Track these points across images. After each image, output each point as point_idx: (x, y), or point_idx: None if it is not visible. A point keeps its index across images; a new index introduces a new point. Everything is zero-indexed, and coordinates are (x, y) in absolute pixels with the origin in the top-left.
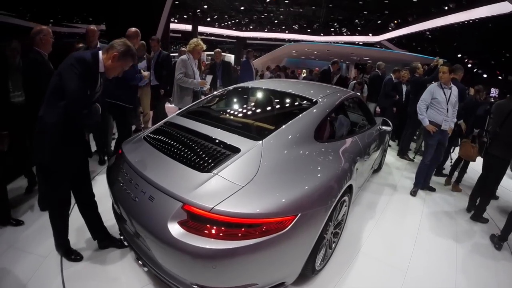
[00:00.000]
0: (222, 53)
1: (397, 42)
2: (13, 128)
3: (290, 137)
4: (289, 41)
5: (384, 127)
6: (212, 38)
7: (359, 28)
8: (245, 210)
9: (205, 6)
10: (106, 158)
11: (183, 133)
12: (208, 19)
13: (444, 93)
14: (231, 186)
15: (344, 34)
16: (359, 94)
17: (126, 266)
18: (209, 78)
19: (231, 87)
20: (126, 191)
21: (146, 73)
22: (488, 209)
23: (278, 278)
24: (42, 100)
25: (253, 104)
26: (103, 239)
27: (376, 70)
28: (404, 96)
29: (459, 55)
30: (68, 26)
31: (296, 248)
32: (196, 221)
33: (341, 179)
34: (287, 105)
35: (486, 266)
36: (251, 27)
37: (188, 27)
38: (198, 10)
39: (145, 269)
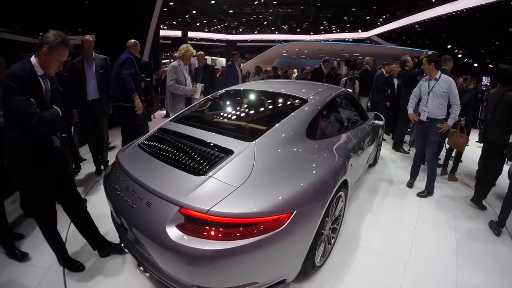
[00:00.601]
0: (214, 57)
1: (387, 36)
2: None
3: (283, 136)
4: (280, 41)
5: (376, 122)
6: (203, 42)
7: (348, 25)
8: (241, 210)
9: (194, 11)
10: (102, 167)
11: (177, 138)
12: (198, 24)
13: (428, 85)
14: (226, 188)
15: (334, 31)
16: (350, 90)
17: (128, 273)
18: (199, 86)
19: (222, 91)
20: (123, 199)
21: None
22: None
23: (278, 275)
24: None
25: (245, 106)
26: (102, 247)
27: (365, 65)
28: (396, 89)
29: (449, 46)
30: None
31: (294, 245)
32: (193, 223)
33: (335, 174)
34: (279, 105)
35: (486, 252)
36: (240, 30)
37: (178, 33)
38: (187, 16)
39: (147, 274)
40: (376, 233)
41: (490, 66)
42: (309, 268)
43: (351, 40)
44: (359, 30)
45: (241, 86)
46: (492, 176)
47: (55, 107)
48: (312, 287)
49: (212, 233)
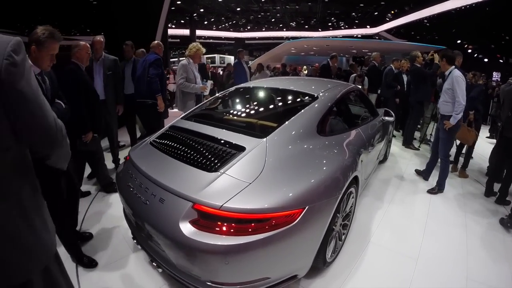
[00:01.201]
0: (222, 55)
1: (396, 32)
2: None
3: (293, 132)
4: (288, 38)
5: (386, 118)
6: (211, 41)
7: (356, 21)
8: (254, 206)
9: (202, 10)
10: (114, 166)
11: (189, 135)
12: (206, 22)
13: (443, 81)
14: (238, 184)
15: (342, 28)
16: (360, 86)
17: (140, 269)
18: (209, 83)
19: (232, 88)
20: (136, 195)
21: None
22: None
23: (290, 271)
24: None
25: (255, 103)
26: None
27: (372, 61)
28: (405, 86)
29: (459, 41)
30: (66, 39)
31: (306, 241)
32: (206, 219)
33: (346, 171)
34: (289, 102)
35: (496, 249)
36: (248, 28)
37: (186, 32)
38: (195, 14)
39: (160, 270)
40: (387, 230)
41: (501, 61)
42: (320, 264)
43: (359, 36)
44: (368, 26)
45: (250, 84)
46: (509, 174)
47: (58, 101)
48: (323, 282)
49: (225, 228)
